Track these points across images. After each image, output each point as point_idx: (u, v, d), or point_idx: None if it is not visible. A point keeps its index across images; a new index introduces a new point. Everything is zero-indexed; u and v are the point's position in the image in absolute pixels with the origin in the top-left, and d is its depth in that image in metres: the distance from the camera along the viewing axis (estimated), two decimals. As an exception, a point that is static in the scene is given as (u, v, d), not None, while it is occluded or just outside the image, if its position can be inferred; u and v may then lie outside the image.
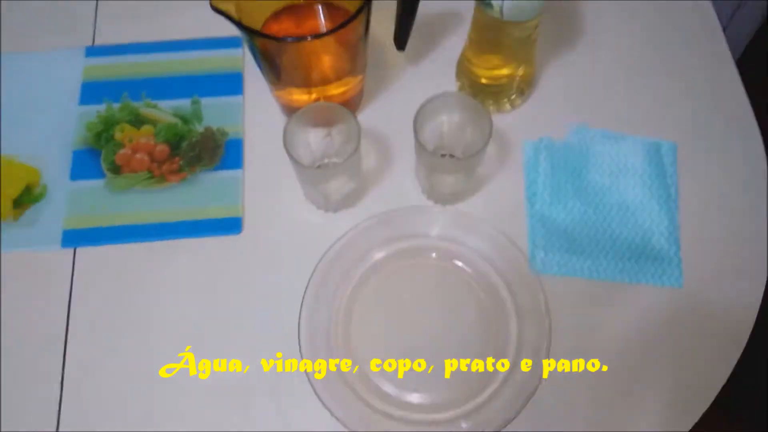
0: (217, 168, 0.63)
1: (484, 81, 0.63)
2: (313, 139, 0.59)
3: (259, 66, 0.58)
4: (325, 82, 0.59)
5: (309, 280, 0.56)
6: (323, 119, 0.57)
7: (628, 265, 0.59)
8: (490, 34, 0.57)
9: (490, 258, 0.58)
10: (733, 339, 0.57)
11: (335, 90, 0.60)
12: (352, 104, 0.64)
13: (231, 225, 0.60)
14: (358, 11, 0.51)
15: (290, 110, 0.62)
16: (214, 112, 0.65)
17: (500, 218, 0.60)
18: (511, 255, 0.58)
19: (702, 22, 0.72)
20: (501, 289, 0.58)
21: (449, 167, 0.58)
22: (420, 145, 0.54)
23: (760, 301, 0.58)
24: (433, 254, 0.60)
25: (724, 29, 0.71)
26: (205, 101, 0.66)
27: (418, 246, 0.59)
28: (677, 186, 0.62)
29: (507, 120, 0.66)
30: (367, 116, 0.65)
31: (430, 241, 0.60)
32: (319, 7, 0.62)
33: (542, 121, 0.66)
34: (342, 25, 0.50)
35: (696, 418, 0.54)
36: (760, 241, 0.60)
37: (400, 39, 0.63)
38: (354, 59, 0.59)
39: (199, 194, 0.61)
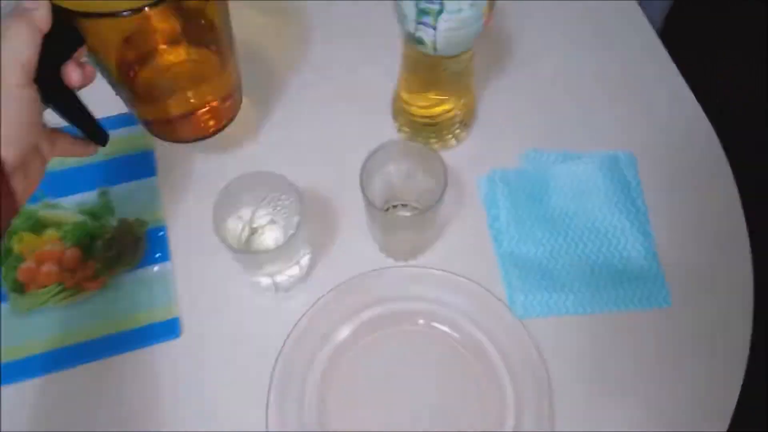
0: (141, 265, 0.54)
1: (423, 119, 0.58)
2: (245, 211, 0.51)
3: (114, 86, 0.49)
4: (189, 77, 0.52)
5: (272, 375, 0.48)
6: (257, 185, 0.50)
7: (612, 293, 0.54)
8: (425, 71, 0.52)
9: (467, 312, 0.52)
10: (734, 348, 0.53)
11: (206, 90, 0.53)
12: (229, 109, 0.56)
13: (167, 329, 0.52)
14: None
15: (162, 127, 0.55)
16: (126, 200, 0.57)
17: (469, 265, 0.55)
18: (488, 304, 0.52)
19: (634, 26, 0.69)
20: (485, 343, 0.52)
21: (406, 223, 0.52)
22: (370, 204, 0.48)
23: (752, 301, 0.55)
24: (404, 320, 0.53)
25: (658, 30, 0.69)
26: (115, 190, 0.57)
27: (386, 313, 0.53)
28: (643, 198, 0.59)
29: (455, 156, 0.60)
30: (303, 175, 0.58)
31: (399, 305, 0.53)
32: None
33: (492, 152, 0.61)
34: None
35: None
36: (739, 240, 0.57)
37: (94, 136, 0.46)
38: (217, 43, 0.50)
39: (124, 300, 0.53)
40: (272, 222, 0.53)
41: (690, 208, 0.59)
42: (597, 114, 0.64)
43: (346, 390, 0.51)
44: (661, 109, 0.64)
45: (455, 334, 0.52)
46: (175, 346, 0.52)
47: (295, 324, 0.50)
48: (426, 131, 0.59)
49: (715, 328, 0.54)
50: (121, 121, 0.60)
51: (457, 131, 0.60)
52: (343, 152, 0.56)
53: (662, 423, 0.50)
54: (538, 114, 0.63)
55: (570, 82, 0.65)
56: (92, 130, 0.45)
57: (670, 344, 0.53)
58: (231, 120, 0.56)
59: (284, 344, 0.50)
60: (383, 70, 0.59)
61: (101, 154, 0.58)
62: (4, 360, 0.50)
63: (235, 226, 0.51)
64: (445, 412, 0.50)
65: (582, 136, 0.62)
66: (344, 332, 0.52)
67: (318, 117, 0.63)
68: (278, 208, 0.52)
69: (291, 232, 0.47)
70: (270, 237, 0.53)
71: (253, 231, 0.53)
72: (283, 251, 0.47)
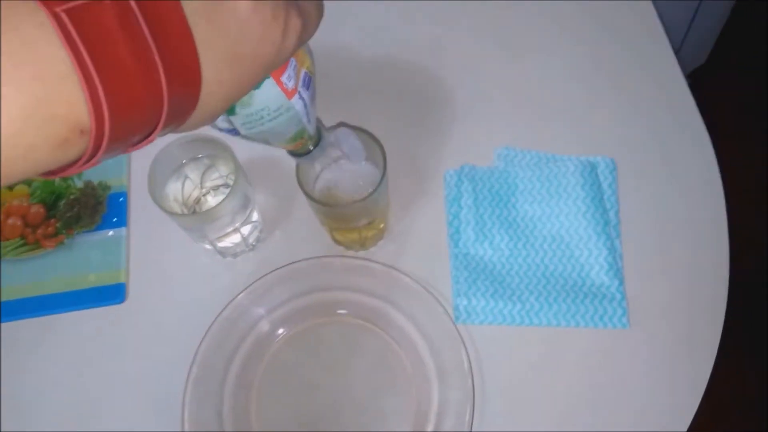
0: (98, 228, 0.55)
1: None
2: (192, 172, 0.51)
3: None
4: None
5: (190, 368, 0.49)
6: (199, 148, 0.50)
7: (563, 306, 0.51)
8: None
9: (408, 312, 0.51)
10: (690, 382, 0.49)
11: None
12: None
13: (113, 293, 0.53)
14: None
15: None
16: (95, 163, 0.58)
17: (421, 263, 0.53)
18: (427, 304, 0.50)
19: (643, 25, 0.64)
20: (420, 346, 0.50)
21: (343, 213, 0.50)
22: (307, 194, 0.47)
23: (719, 336, 0.50)
24: (342, 311, 0.52)
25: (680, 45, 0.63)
26: (86, 152, 0.59)
27: (324, 302, 0.52)
28: (617, 210, 0.55)
29: (426, 149, 0.58)
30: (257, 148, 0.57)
31: (339, 295, 0.52)
32: None
33: (467, 147, 0.58)
34: None
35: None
36: (717, 267, 0.53)
37: None
38: None
39: (76, 260, 0.54)
40: (226, 186, 0.51)
41: (671, 227, 0.55)
42: (585, 116, 0.59)
43: (272, 377, 0.50)
44: (657, 115, 0.59)
45: (389, 331, 0.51)
46: (119, 310, 0.53)
47: (226, 305, 0.50)
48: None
49: (675, 359, 0.50)
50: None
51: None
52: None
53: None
54: (523, 112, 0.60)
55: (560, 81, 0.61)
56: None
57: (620, 369, 0.50)
58: None
59: (213, 323, 0.50)
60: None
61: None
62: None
63: (179, 186, 0.51)
64: (367, 407, 0.49)
65: (566, 139, 0.58)
66: (273, 319, 0.52)
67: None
68: (230, 174, 0.51)
69: (223, 196, 0.46)
70: (216, 201, 0.52)
71: (206, 192, 0.52)
72: (216, 214, 0.47)
